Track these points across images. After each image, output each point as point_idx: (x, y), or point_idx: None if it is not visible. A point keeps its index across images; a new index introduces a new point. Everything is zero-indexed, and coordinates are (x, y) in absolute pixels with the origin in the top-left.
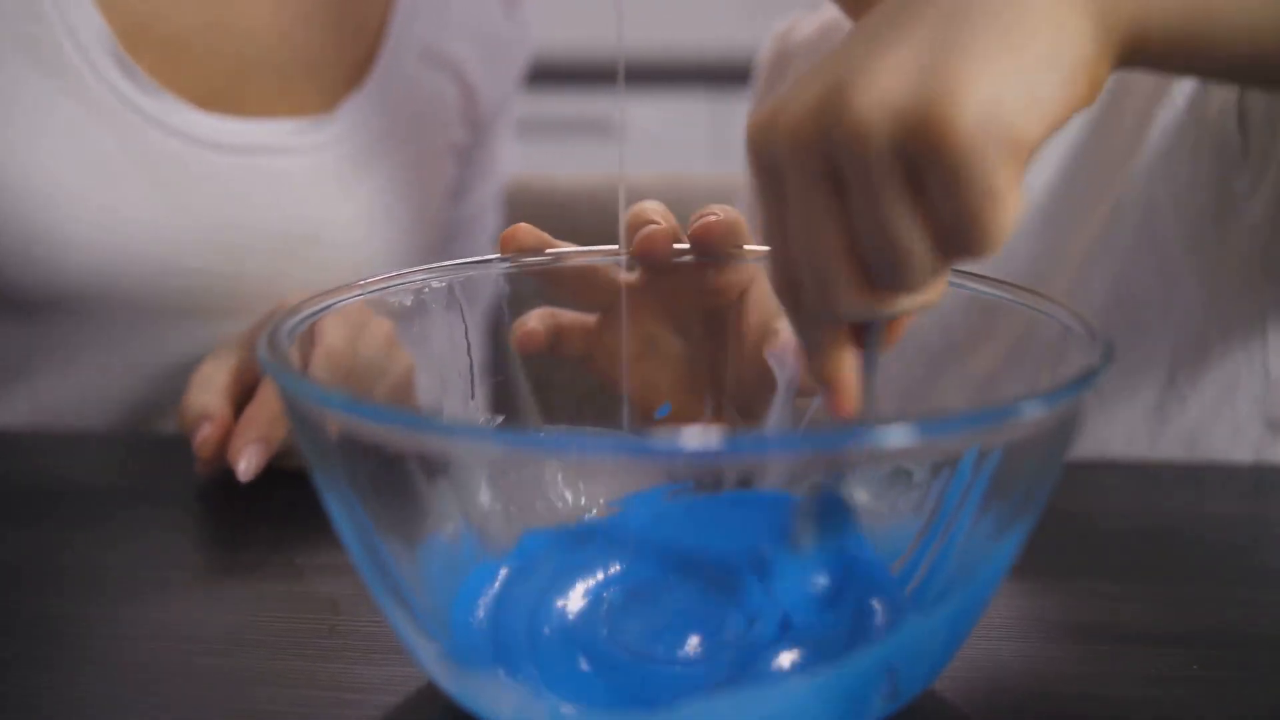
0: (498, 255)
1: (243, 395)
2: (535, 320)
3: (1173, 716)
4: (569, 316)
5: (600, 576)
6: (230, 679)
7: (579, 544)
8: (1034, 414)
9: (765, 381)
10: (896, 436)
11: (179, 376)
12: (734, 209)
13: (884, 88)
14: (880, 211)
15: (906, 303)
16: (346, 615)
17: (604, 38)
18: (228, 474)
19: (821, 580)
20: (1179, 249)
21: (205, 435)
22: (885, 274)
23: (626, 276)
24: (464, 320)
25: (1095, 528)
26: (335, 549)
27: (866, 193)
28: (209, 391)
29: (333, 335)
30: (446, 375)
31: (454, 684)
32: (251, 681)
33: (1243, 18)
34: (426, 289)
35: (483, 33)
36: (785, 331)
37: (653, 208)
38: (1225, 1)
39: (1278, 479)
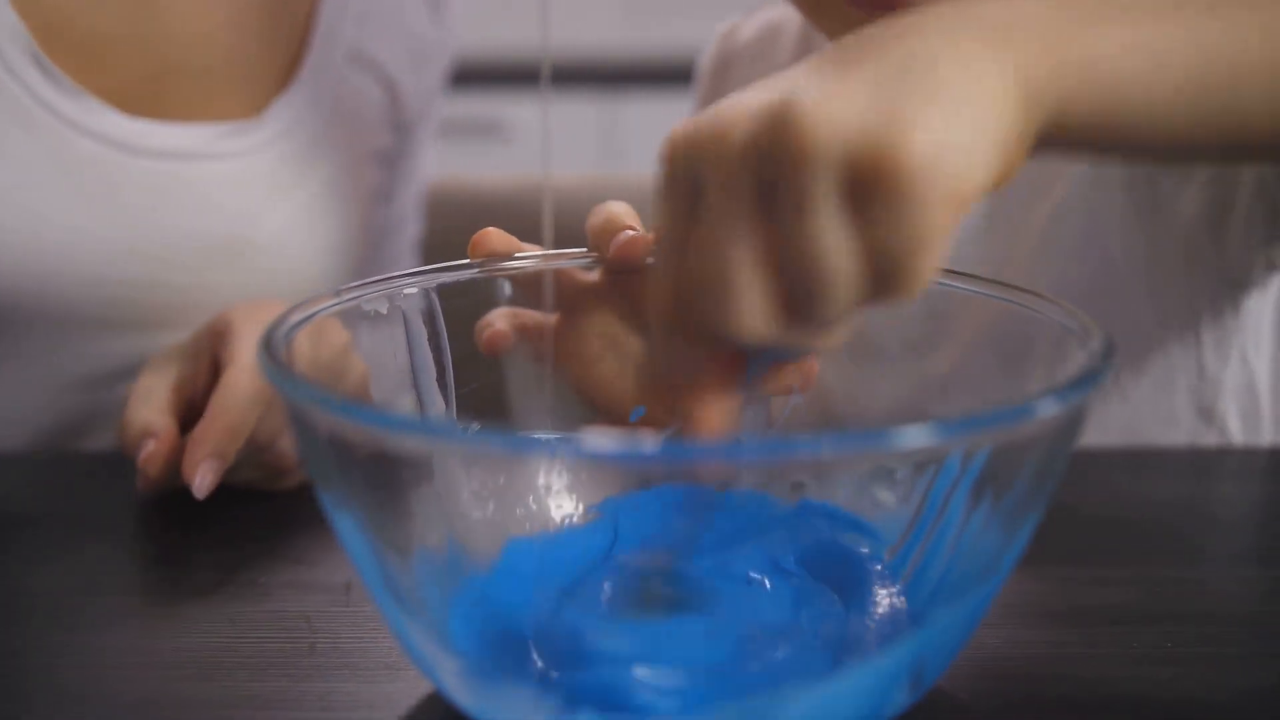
0: (469, 260)
1: (184, 409)
2: (501, 320)
3: (1153, 694)
4: (530, 316)
5: (601, 582)
6: (216, 704)
7: (567, 550)
8: (1044, 413)
9: None
10: (911, 438)
11: (104, 392)
12: None
13: (838, 111)
14: (813, 230)
15: (804, 336)
16: (324, 633)
17: (487, 39)
18: (170, 492)
19: (826, 573)
20: (1117, 249)
21: (151, 451)
22: (802, 298)
23: (587, 277)
24: (438, 326)
25: (1054, 514)
26: (299, 566)
27: (801, 210)
28: (151, 406)
29: (297, 344)
30: (422, 381)
31: (475, 700)
32: (238, 705)
33: (1158, 117)
34: (400, 295)
35: (408, 35)
36: None
37: (623, 211)
38: (1144, 109)
39: (1222, 463)
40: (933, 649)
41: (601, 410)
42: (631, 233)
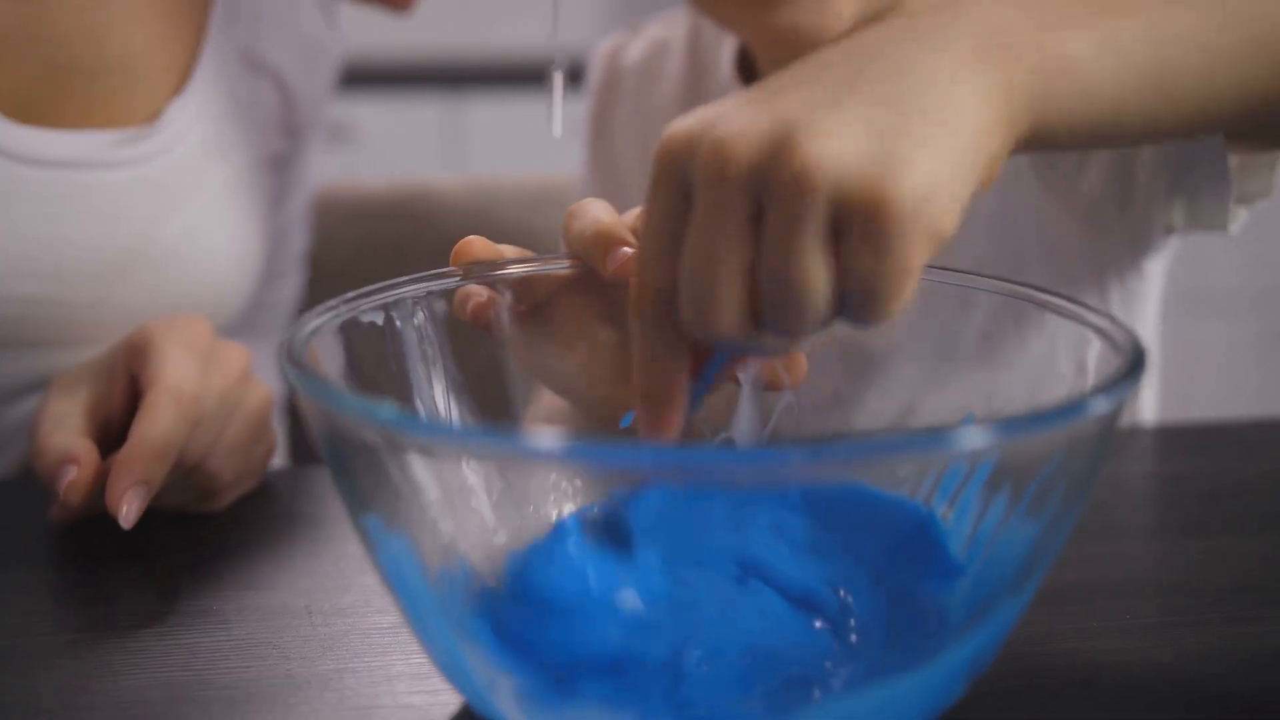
0: (451, 269)
1: (100, 431)
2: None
3: (1118, 662)
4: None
5: (630, 592)
6: None
7: (574, 559)
8: (1098, 411)
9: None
10: (972, 439)
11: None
12: None
13: (838, 145)
14: (795, 254)
15: (777, 344)
16: (297, 659)
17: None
18: (88, 519)
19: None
20: (1027, 226)
21: (74, 479)
22: (776, 312)
23: (561, 271)
24: (431, 335)
25: None
26: (250, 591)
27: (788, 233)
28: (67, 430)
29: (180, 371)
30: (421, 392)
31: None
32: None
33: (1129, 110)
34: (394, 305)
35: (300, 36)
36: None
37: (613, 220)
38: (1118, 104)
39: (1170, 438)
40: (990, 644)
41: (582, 405)
42: (629, 250)
